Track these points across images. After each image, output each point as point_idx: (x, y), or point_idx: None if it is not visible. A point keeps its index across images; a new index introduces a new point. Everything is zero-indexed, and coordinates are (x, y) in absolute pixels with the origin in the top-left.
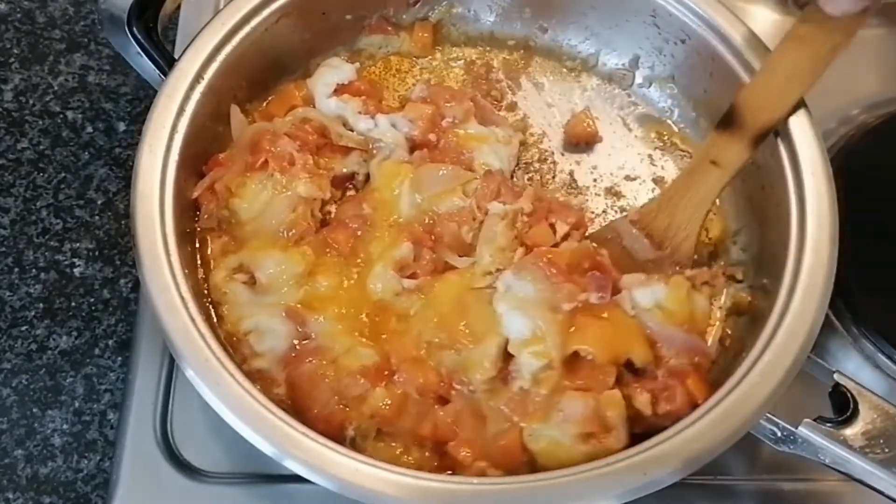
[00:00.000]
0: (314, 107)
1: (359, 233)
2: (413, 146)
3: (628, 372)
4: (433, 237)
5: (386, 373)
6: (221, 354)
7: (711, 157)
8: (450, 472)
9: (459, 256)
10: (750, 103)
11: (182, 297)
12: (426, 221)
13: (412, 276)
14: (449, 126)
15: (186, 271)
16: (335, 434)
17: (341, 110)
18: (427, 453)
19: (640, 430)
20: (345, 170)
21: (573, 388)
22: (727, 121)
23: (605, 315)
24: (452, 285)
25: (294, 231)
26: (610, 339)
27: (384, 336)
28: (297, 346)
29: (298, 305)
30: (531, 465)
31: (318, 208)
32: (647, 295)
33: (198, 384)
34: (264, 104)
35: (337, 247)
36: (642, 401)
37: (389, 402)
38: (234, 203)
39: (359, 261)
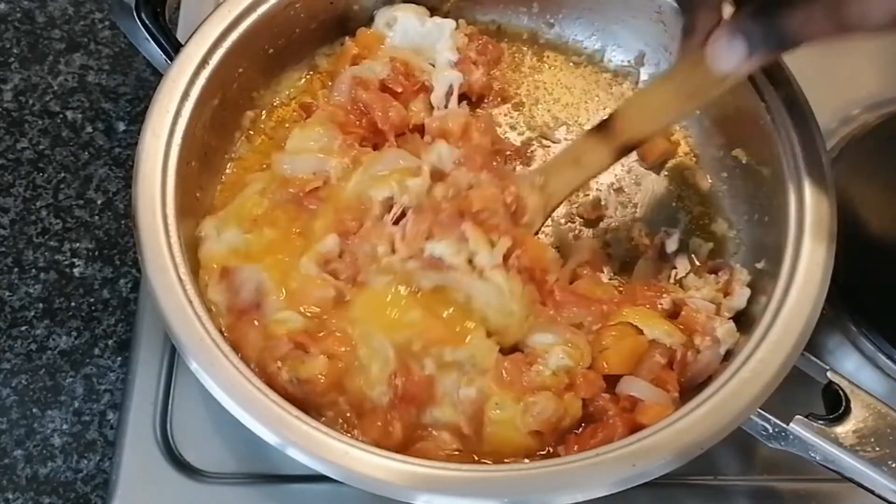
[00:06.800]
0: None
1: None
2: None
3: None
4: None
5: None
6: (217, 336)
7: (575, 155)
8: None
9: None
10: (624, 117)
11: (180, 279)
12: (361, 207)
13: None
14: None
15: (186, 253)
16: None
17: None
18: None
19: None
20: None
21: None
22: (601, 125)
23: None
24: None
25: (292, 191)
26: (629, 357)
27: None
28: (237, 310)
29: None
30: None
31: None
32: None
33: (192, 365)
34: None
35: (297, 222)
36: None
37: (324, 375)
38: (296, 130)
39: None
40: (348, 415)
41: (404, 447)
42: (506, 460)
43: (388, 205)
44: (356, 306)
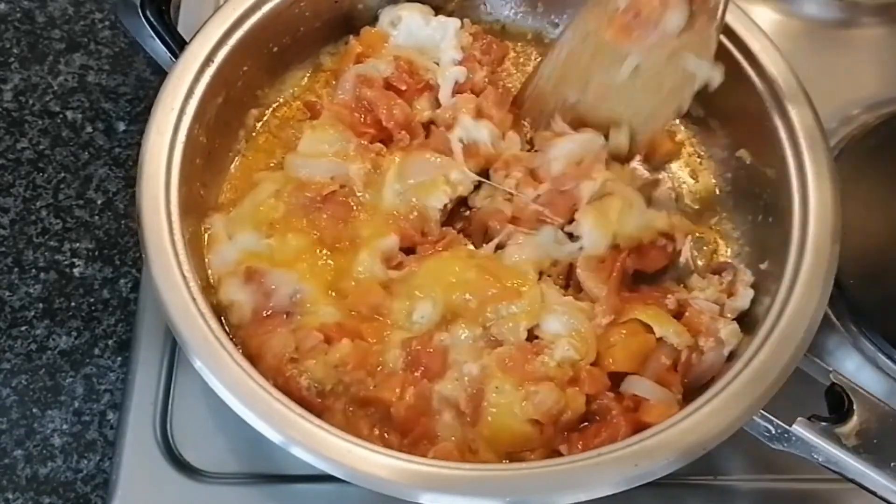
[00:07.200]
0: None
1: (341, 223)
2: None
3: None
4: (423, 234)
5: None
6: (221, 334)
7: None
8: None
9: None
10: None
11: (184, 276)
12: (411, 216)
13: (397, 267)
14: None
15: (189, 251)
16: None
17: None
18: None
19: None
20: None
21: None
22: None
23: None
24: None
25: (309, 195)
26: (635, 355)
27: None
28: (263, 313)
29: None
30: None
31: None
32: None
33: (196, 363)
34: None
35: (318, 228)
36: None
37: (352, 353)
38: (308, 132)
39: (338, 245)
40: (369, 387)
41: (411, 431)
42: (506, 452)
43: (447, 210)
44: (419, 273)
